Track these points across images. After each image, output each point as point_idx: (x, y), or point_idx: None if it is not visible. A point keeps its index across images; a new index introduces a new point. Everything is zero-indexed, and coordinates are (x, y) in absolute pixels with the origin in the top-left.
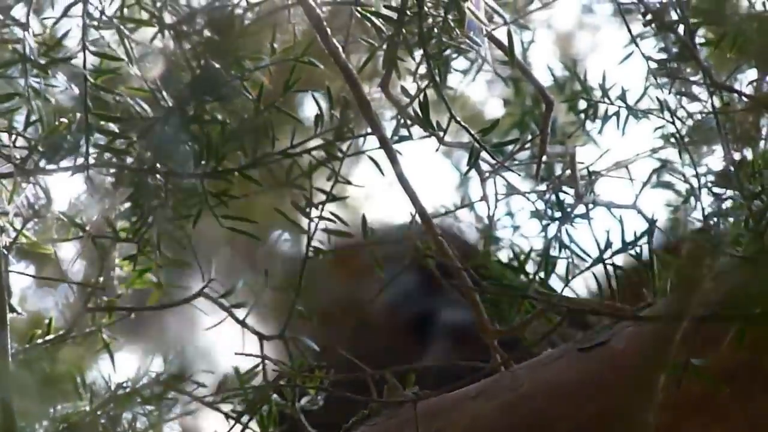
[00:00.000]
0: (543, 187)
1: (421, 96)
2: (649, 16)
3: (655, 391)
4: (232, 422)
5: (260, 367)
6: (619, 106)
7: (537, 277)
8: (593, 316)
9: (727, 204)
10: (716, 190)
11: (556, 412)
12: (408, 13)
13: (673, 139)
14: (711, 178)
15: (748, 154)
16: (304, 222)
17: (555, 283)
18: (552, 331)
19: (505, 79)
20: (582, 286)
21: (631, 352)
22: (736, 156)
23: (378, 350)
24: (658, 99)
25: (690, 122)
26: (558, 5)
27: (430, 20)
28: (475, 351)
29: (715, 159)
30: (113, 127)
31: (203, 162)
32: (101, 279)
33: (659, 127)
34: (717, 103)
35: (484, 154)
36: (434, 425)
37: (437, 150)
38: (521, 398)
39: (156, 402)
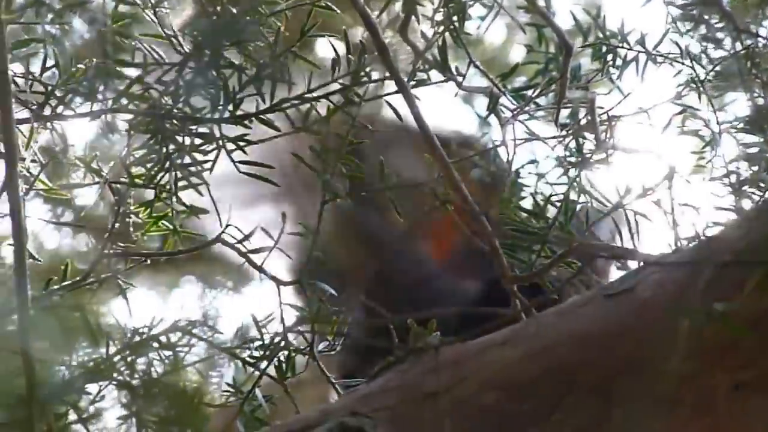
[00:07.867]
0: (563, 132)
1: (440, 40)
2: None
3: (681, 339)
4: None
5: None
6: (639, 52)
7: (557, 223)
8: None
9: (751, 150)
10: (739, 135)
11: (582, 360)
12: None
13: (693, 85)
14: (734, 123)
15: None
16: None
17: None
18: (574, 277)
19: (521, 25)
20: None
21: (657, 298)
22: (761, 102)
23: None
24: (677, 44)
25: (711, 68)
26: None
27: None
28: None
29: (739, 105)
30: (130, 72)
31: (220, 107)
32: (117, 225)
33: (678, 73)
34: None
35: (504, 100)
36: (459, 373)
37: (456, 95)
38: (547, 346)
39: (173, 348)
